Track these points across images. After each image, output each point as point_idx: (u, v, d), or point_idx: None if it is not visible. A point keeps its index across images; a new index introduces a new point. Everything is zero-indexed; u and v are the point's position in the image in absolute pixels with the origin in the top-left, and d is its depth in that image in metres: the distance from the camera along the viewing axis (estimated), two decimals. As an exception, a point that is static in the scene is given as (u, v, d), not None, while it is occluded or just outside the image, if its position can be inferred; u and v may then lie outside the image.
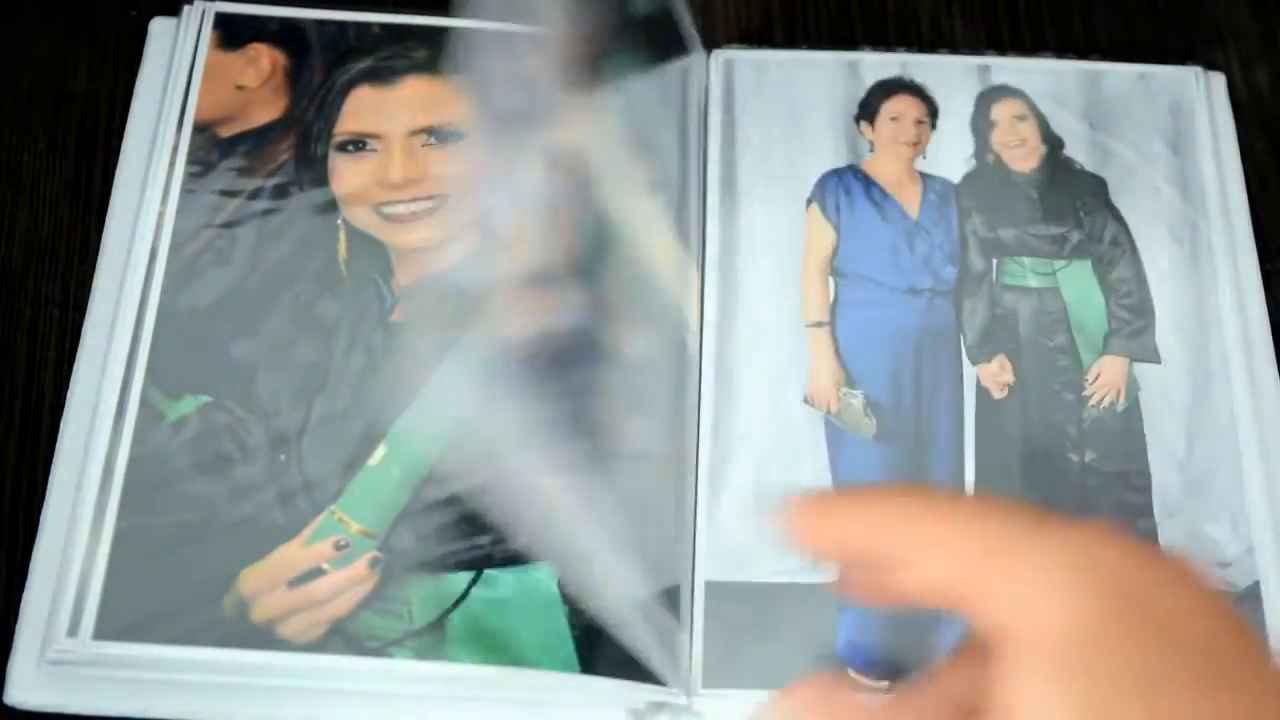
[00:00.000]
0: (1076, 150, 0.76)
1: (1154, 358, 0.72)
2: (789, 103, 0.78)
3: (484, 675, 0.62)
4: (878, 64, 0.79)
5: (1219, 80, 0.79)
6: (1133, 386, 0.71)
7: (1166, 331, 0.72)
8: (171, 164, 0.72)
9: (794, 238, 0.74)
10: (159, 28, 0.77)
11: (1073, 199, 0.75)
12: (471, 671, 0.62)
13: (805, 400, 0.71)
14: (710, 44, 0.79)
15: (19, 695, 0.62)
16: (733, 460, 0.69)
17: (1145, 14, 0.82)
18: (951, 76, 0.79)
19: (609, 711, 0.63)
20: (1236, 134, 0.77)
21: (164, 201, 0.71)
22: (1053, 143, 0.77)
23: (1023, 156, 0.76)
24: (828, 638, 0.65)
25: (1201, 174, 0.76)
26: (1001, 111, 0.78)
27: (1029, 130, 0.77)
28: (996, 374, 0.72)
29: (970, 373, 0.72)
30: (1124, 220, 0.75)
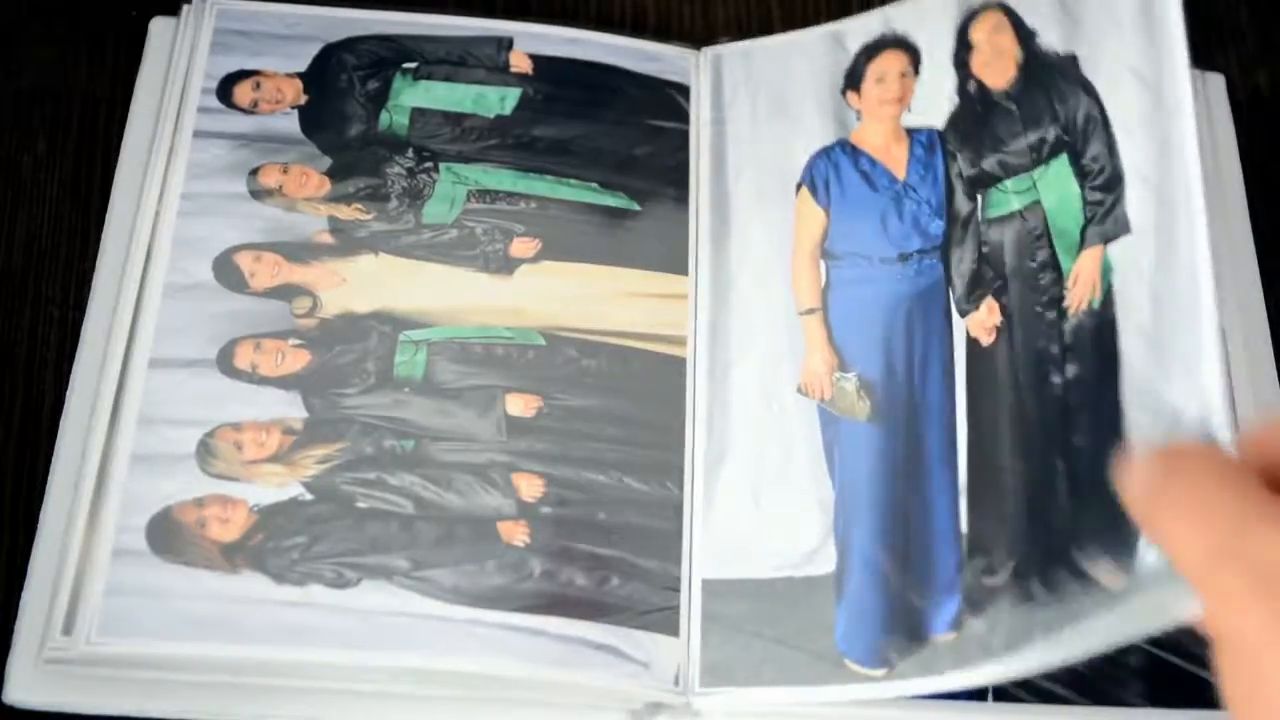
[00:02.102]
0: (1050, 37, 0.73)
1: (1125, 229, 0.68)
2: (777, 87, 0.77)
3: (484, 675, 0.62)
4: (861, 28, 0.77)
5: (1218, 81, 0.79)
6: (1106, 274, 0.68)
7: (1134, 189, 0.68)
8: (169, 164, 0.72)
9: (784, 228, 0.74)
10: (159, 28, 0.77)
11: (1047, 92, 0.72)
12: (476, 671, 0.62)
13: (798, 390, 0.71)
14: (709, 44, 0.78)
15: (18, 694, 0.62)
16: (727, 457, 0.69)
17: (1145, 14, 0.82)
18: (931, 14, 0.76)
19: (608, 712, 0.63)
20: (1236, 134, 0.77)
21: (162, 201, 0.71)
22: (1026, 38, 0.73)
23: (1001, 70, 0.74)
24: (826, 631, 0.66)
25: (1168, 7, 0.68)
26: (979, 31, 0.75)
27: (1006, 40, 0.74)
28: (984, 320, 0.70)
29: (960, 328, 0.70)
30: (1095, 91, 0.71)
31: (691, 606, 0.65)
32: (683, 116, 0.77)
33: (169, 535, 0.64)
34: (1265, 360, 0.72)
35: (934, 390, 0.70)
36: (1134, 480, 0.49)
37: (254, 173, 0.73)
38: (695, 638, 0.65)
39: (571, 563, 0.65)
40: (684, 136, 0.76)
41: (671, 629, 0.65)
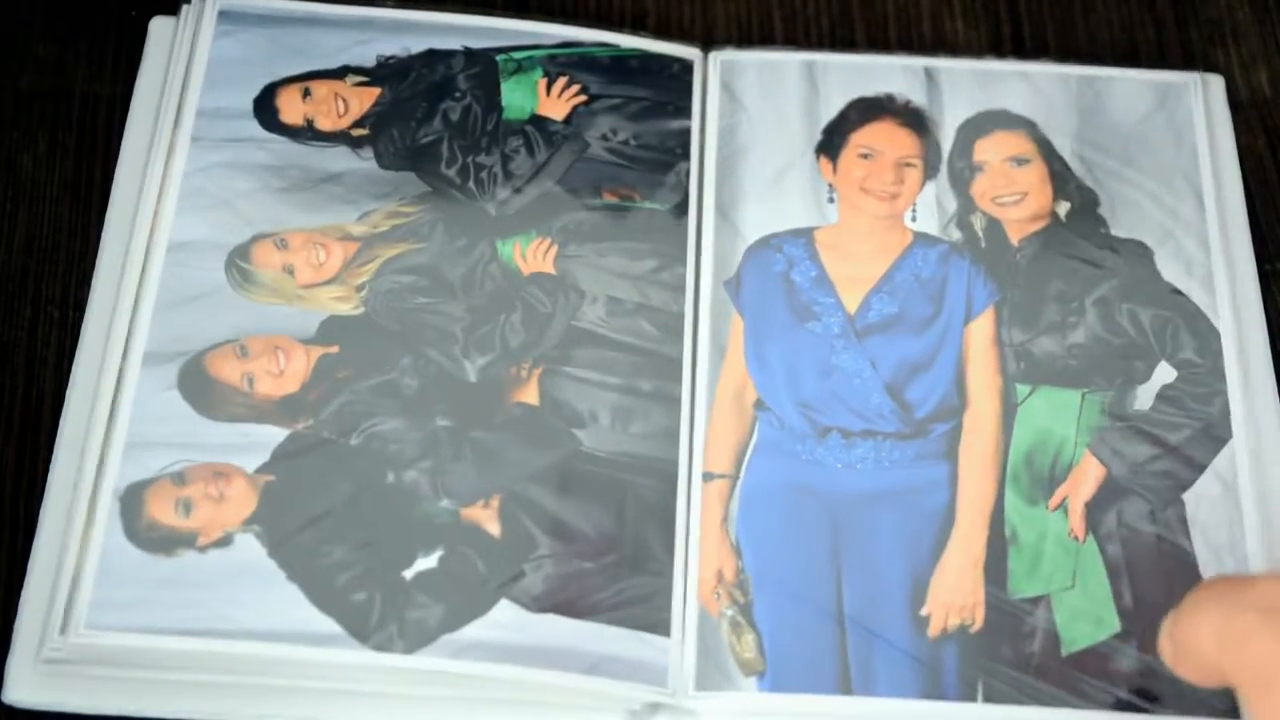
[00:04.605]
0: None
1: None
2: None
3: (484, 676, 0.62)
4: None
5: (1217, 82, 0.79)
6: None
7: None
8: (169, 163, 0.72)
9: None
10: (159, 27, 0.77)
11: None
12: (472, 672, 0.62)
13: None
14: (709, 44, 0.78)
15: (17, 694, 0.62)
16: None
17: (1145, 14, 0.83)
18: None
19: (606, 712, 0.63)
20: (1236, 134, 0.77)
21: (161, 200, 0.71)
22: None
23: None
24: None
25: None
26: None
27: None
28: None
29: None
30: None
31: (687, 607, 0.65)
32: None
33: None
34: (1264, 361, 0.71)
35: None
36: (1162, 637, 0.53)
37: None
38: (691, 639, 0.65)
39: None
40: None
41: (667, 630, 0.64)
